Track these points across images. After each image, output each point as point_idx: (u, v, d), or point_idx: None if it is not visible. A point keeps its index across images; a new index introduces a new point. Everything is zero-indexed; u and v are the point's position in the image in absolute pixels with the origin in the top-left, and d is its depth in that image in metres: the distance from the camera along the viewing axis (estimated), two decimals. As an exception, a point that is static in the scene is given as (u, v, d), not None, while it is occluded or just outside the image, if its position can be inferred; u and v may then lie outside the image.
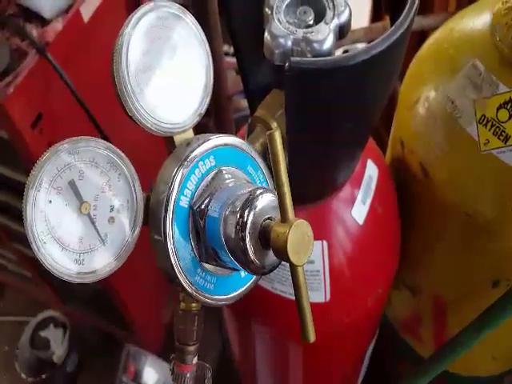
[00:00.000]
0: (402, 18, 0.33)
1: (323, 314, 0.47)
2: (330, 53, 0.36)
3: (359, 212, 0.47)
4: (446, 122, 0.48)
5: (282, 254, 0.26)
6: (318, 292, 0.46)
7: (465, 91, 0.47)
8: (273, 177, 0.28)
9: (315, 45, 0.36)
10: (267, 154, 0.39)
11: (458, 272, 0.55)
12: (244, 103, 0.89)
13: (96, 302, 1.19)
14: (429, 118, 0.50)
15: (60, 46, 0.73)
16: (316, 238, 0.47)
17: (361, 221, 0.47)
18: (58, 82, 0.72)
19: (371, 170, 0.49)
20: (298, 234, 0.26)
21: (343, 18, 0.37)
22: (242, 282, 0.34)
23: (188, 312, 0.35)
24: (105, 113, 0.77)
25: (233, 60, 1.13)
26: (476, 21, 0.51)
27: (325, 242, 0.46)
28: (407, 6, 0.34)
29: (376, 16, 1.23)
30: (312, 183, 0.43)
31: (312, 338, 0.26)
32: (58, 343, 1.25)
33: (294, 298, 0.42)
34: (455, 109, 0.47)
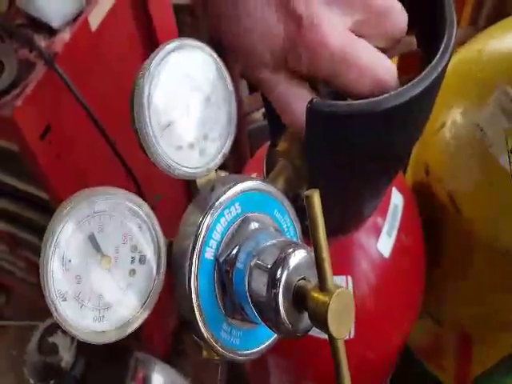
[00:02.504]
0: (437, 57, 0.30)
1: (347, 352, 0.45)
2: None
3: (385, 244, 0.45)
4: (475, 150, 0.46)
5: (321, 325, 0.24)
6: (341, 328, 0.44)
7: (495, 119, 0.45)
8: (303, 228, 0.26)
9: None
10: (290, 191, 0.37)
11: (487, 309, 0.53)
12: (257, 115, 0.86)
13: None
14: (457, 144, 0.48)
15: (68, 56, 0.71)
16: (340, 273, 0.45)
17: (387, 254, 0.45)
18: (67, 93, 0.71)
19: (396, 199, 0.47)
20: (339, 304, 0.24)
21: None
22: (269, 335, 0.33)
23: (210, 361, 0.34)
24: (115, 123, 0.75)
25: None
26: (506, 43, 0.48)
27: (349, 278, 0.44)
28: (443, 44, 0.31)
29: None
30: (335, 218, 0.41)
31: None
32: (66, 349, 1.24)
33: (315, 334, 0.41)
34: (485, 137, 0.45)
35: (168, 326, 1.24)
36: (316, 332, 0.26)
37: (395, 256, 0.45)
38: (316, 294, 0.25)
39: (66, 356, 1.23)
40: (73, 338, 1.24)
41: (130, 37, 0.87)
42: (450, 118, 0.48)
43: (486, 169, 0.45)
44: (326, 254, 0.24)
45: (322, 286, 0.24)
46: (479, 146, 0.45)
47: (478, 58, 0.49)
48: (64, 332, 1.26)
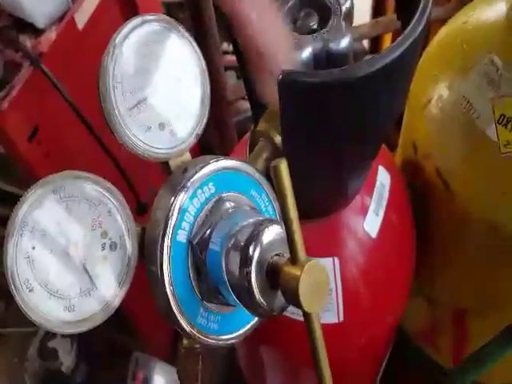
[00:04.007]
0: (413, 22, 0.29)
1: (336, 336, 0.44)
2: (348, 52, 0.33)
3: (372, 224, 0.44)
4: (462, 123, 0.45)
5: (293, 300, 0.23)
6: (329, 312, 0.43)
7: (481, 89, 0.44)
8: (280, 208, 0.25)
9: (331, 44, 0.33)
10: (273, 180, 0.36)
11: (481, 284, 0.52)
12: (245, 105, 0.85)
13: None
14: (443, 119, 0.47)
15: (55, 55, 0.70)
16: (326, 255, 0.44)
17: (374, 234, 0.44)
18: (54, 93, 0.70)
19: (383, 178, 0.46)
20: (311, 277, 0.23)
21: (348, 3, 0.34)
22: (249, 318, 0.32)
23: (191, 350, 0.33)
24: (102, 121, 0.74)
25: (233, 58, 1.10)
26: (490, 12, 0.47)
27: (336, 259, 0.43)
28: (420, 9, 0.30)
29: (377, 11, 1.19)
30: (319, 197, 0.40)
31: (330, 390, 0.23)
32: (66, 353, 1.23)
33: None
34: (471, 109, 0.44)
35: (168, 326, 1.24)
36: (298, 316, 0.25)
37: (383, 235, 0.44)
38: (287, 268, 0.23)
39: (67, 360, 1.22)
40: (72, 342, 1.23)
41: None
42: (437, 93, 0.47)
43: (473, 142, 0.44)
44: (295, 225, 0.23)
45: (294, 259, 0.23)
46: (466, 119, 0.44)
47: (464, 30, 0.48)
48: (63, 336, 1.25)
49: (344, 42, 0.35)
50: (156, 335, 1.20)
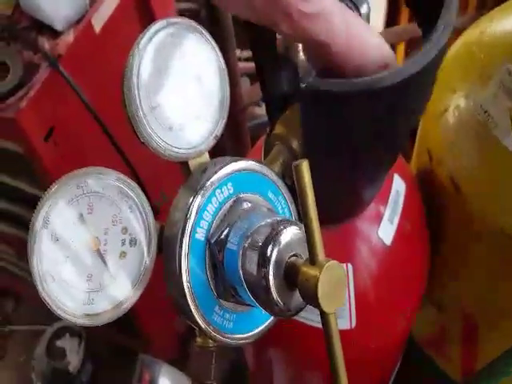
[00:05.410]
0: (435, 35, 0.29)
1: (348, 342, 0.44)
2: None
3: (386, 232, 0.44)
4: (478, 132, 0.45)
5: (312, 300, 0.23)
6: (342, 319, 0.43)
7: (499, 99, 0.44)
8: (299, 208, 0.25)
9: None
10: (287, 174, 0.36)
11: (493, 292, 0.51)
12: (259, 110, 0.86)
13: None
14: (460, 128, 0.47)
15: (72, 57, 0.72)
16: (340, 261, 0.44)
17: (388, 241, 0.44)
18: (71, 94, 0.72)
19: (398, 186, 0.46)
20: (329, 277, 0.23)
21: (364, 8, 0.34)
22: (264, 318, 0.32)
23: (205, 348, 0.33)
24: (119, 123, 0.75)
25: (246, 65, 1.11)
26: (506, 23, 0.48)
27: (349, 265, 0.43)
28: (442, 21, 0.30)
29: (391, 20, 1.19)
30: (335, 204, 0.41)
31: (345, 391, 0.24)
32: (73, 352, 1.24)
33: (316, 324, 0.39)
34: (489, 118, 0.44)
35: (175, 329, 1.23)
36: (317, 322, 0.25)
37: (397, 243, 0.44)
38: (306, 269, 0.24)
39: (74, 360, 1.23)
40: (80, 342, 1.24)
41: (134, 38, 0.87)
42: (453, 103, 0.48)
43: (489, 151, 0.44)
44: (315, 224, 0.23)
45: (312, 259, 0.23)
46: (482, 128, 0.44)
47: (480, 40, 0.48)
48: (71, 335, 1.26)
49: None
50: (162, 338, 1.20)
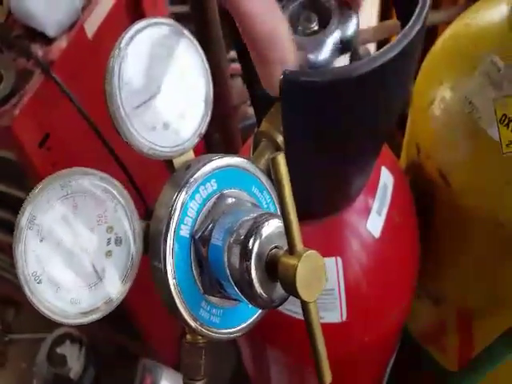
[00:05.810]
0: (412, 20, 0.30)
1: (339, 335, 0.44)
2: (325, 65, 0.34)
3: (375, 224, 0.44)
4: (464, 123, 0.45)
5: (291, 289, 0.24)
6: (332, 312, 0.44)
7: (484, 90, 0.44)
8: (278, 199, 0.26)
9: (310, 56, 0.34)
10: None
11: (487, 283, 0.52)
12: (251, 111, 0.87)
13: (110, 315, 1.18)
14: (446, 120, 0.47)
15: (65, 63, 0.72)
16: (329, 255, 0.45)
17: (377, 234, 0.45)
18: (65, 100, 0.72)
19: (386, 178, 0.46)
20: (308, 266, 0.23)
21: (348, 30, 0.35)
22: (251, 312, 0.32)
23: (194, 345, 0.33)
24: (113, 129, 0.76)
25: (238, 66, 1.11)
26: (493, 14, 0.48)
27: (339, 259, 0.43)
28: (419, 6, 0.31)
29: (385, 15, 1.20)
30: (321, 197, 0.41)
31: (328, 380, 0.24)
32: (74, 359, 1.24)
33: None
34: (474, 109, 0.45)
35: (176, 332, 1.24)
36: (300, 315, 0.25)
37: (386, 235, 0.45)
38: (285, 259, 0.24)
39: (75, 366, 1.23)
40: (81, 348, 1.24)
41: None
42: (440, 94, 0.48)
43: (476, 142, 0.45)
44: (293, 216, 0.23)
45: (291, 249, 0.24)
46: (468, 119, 0.45)
47: (466, 32, 0.49)
48: (72, 342, 1.26)
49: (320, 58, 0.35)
50: (163, 342, 1.20)
